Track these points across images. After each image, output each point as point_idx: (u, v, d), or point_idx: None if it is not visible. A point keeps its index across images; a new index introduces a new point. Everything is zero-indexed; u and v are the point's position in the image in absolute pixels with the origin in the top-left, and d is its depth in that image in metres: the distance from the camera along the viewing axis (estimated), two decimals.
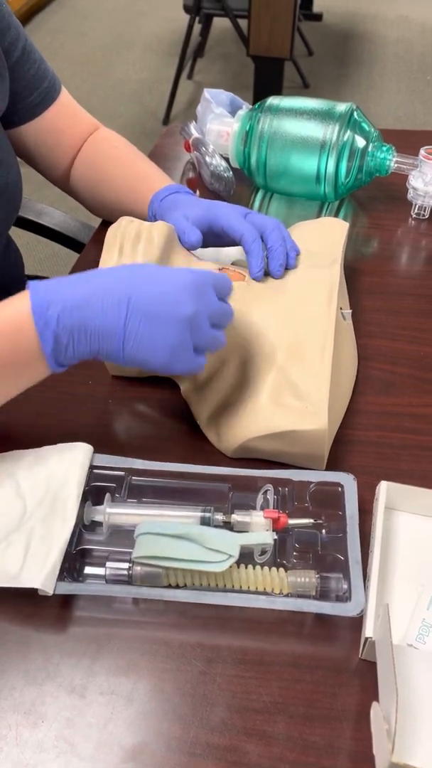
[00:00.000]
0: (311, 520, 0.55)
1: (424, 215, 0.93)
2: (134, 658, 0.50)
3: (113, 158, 0.86)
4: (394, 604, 0.52)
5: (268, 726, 0.46)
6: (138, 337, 0.53)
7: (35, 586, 0.50)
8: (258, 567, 0.52)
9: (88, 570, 0.53)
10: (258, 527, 0.54)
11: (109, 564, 0.52)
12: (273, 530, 0.54)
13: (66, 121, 0.85)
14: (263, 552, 0.53)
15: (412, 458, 0.63)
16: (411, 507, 0.58)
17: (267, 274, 0.70)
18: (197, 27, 2.93)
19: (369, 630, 0.48)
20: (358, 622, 0.51)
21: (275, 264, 0.69)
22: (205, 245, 0.71)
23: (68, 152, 0.86)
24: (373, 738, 0.44)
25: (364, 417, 0.67)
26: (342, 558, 0.53)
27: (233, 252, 0.79)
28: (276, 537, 0.54)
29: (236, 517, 0.54)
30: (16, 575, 0.51)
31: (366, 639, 0.48)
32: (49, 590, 0.50)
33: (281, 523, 0.54)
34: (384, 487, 0.56)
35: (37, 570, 0.51)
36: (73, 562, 0.53)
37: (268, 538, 0.53)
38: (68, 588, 0.51)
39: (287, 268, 0.70)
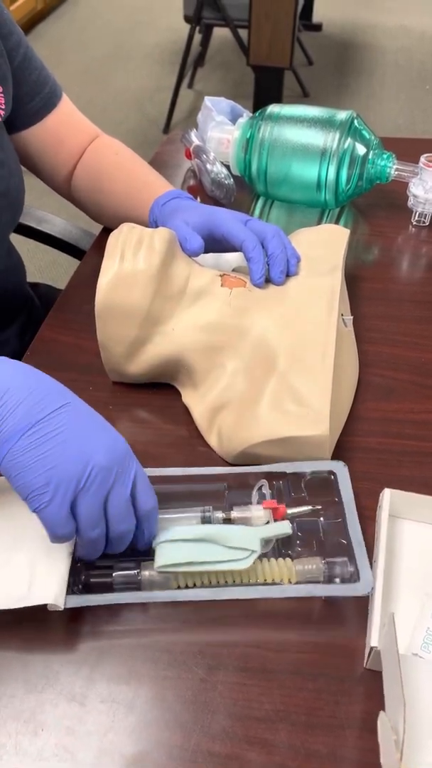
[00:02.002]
0: (309, 507, 0.55)
1: (424, 222, 0.93)
2: (135, 665, 0.50)
3: (114, 165, 0.86)
4: (399, 612, 0.52)
5: (269, 734, 0.46)
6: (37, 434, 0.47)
7: (48, 602, 0.49)
8: (265, 559, 0.53)
9: (94, 580, 0.53)
10: (259, 520, 0.54)
11: (116, 572, 0.52)
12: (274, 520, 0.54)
13: (67, 127, 0.86)
14: (267, 542, 0.53)
15: (414, 465, 0.63)
16: (414, 515, 0.58)
17: (268, 280, 0.70)
18: (198, 36, 2.94)
19: (374, 639, 0.47)
20: (361, 629, 0.51)
21: (276, 271, 0.69)
22: (204, 251, 0.71)
23: (69, 159, 0.87)
24: (381, 748, 0.43)
25: (365, 423, 0.66)
26: (344, 542, 0.54)
27: (234, 258, 0.79)
28: (294, 525, 0.54)
29: (236, 513, 0.55)
30: (25, 595, 0.50)
31: (371, 648, 0.48)
32: (60, 605, 0.50)
33: (280, 512, 0.54)
34: (387, 495, 0.56)
35: (46, 586, 0.50)
36: (78, 574, 0.53)
37: (286, 527, 0.53)
38: (78, 600, 0.51)
39: (288, 274, 0.70)
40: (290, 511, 0.55)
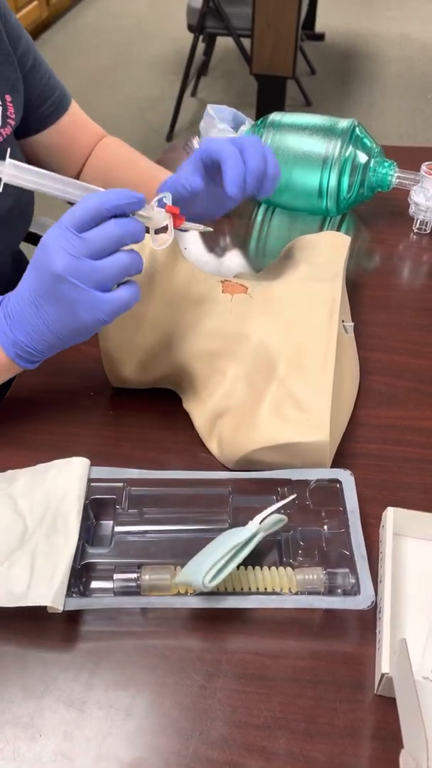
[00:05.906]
0: (278, 507, 0.54)
1: (425, 230, 0.93)
2: (133, 671, 0.49)
3: (123, 157, 0.88)
4: (406, 634, 0.50)
5: (268, 742, 0.46)
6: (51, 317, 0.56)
7: (45, 604, 0.49)
8: (266, 567, 0.52)
9: (94, 584, 0.53)
10: (159, 222, 0.58)
11: (116, 576, 0.52)
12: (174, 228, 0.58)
13: (78, 129, 0.88)
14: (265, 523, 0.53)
15: (415, 472, 0.63)
16: (417, 532, 0.56)
17: (265, 279, 0.70)
18: (201, 46, 2.96)
19: (385, 665, 0.46)
20: (361, 637, 0.51)
21: (251, 184, 0.64)
22: (203, 188, 0.67)
23: (80, 159, 0.88)
24: None
25: (366, 430, 0.66)
26: (347, 553, 0.53)
27: (235, 265, 0.79)
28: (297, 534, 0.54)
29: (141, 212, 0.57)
30: (23, 594, 0.50)
31: (383, 675, 0.46)
32: (59, 607, 0.50)
33: (179, 219, 0.59)
34: (391, 514, 0.55)
35: (45, 588, 0.50)
36: (79, 577, 0.53)
37: (281, 518, 0.53)
38: (78, 603, 0.51)
39: (266, 194, 0.67)
40: (261, 516, 0.53)
